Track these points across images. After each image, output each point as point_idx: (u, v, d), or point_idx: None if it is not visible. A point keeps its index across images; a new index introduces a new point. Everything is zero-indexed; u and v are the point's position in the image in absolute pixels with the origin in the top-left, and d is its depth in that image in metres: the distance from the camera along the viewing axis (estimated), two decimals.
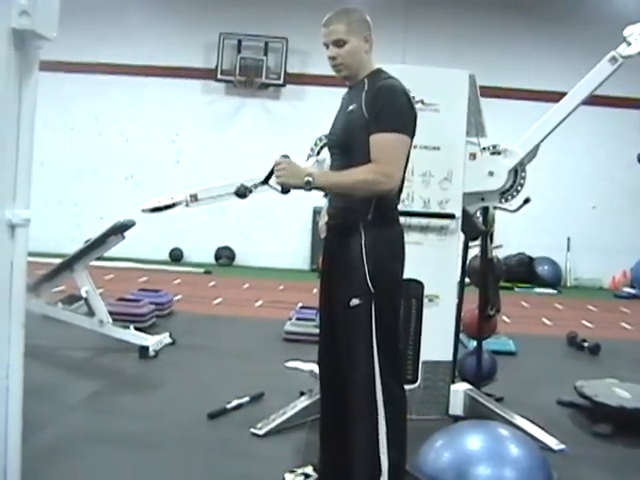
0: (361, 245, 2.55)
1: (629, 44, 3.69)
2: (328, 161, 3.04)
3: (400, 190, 2.65)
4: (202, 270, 9.92)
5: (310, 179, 2.47)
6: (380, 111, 2.51)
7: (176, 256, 10.82)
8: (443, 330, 3.83)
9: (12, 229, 2.23)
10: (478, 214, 4.03)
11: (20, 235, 2.26)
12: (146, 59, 10.59)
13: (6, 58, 2.15)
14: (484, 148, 3.91)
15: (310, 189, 2.50)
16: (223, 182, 4.31)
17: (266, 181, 2.70)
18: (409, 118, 2.58)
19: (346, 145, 2.62)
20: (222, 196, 4.25)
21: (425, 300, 3.76)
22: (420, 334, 3.78)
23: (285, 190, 2.58)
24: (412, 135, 2.59)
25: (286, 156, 2.55)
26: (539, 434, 3.58)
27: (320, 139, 4.36)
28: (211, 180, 4.50)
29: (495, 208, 4.06)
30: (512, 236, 9.53)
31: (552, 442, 3.54)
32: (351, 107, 2.60)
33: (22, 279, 2.30)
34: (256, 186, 2.95)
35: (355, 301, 2.54)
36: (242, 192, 2.83)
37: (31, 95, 2.25)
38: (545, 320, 7.54)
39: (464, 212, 3.82)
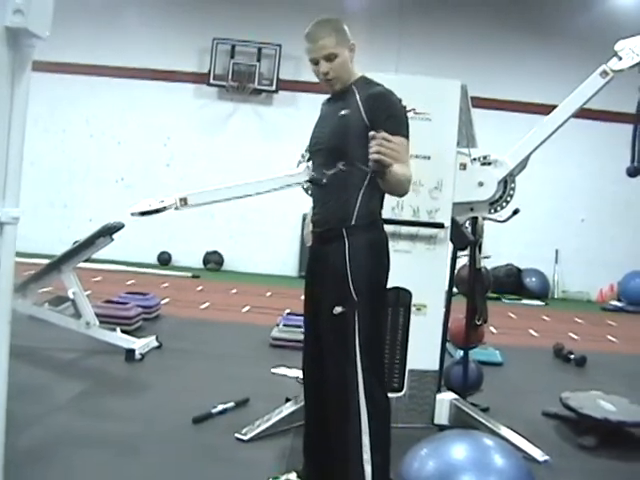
0: (345, 251, 2.55)
1: (620, 58, 3.70)
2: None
3: (382, 196, 2.65)
4: (190, 274, 9.90)
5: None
6: (387, 117, 2.51)
7: (164, 260, 10.80)
8: (430, 339, 3.82)
9: (0, 227, 2.22)
10: (467, 224, 4.04)
11: (8, 233, 2.24)
12: (139, 62, 10.60)
13: None
14: (474, 158, 3.92)
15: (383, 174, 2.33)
16: (213, 186, 4.30)
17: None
18: (408, 125, 2.60)
19: (337, 148, 2.60)
20: (213, 201, 4.23)
21: (413, 309, 3.76)
22: (407, 343, 3.78)
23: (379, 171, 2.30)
24: None
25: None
26: (524, 445, 3.58)
27: None
28: (202, 184, 4.48)
29: (484, 218, 4.07)
30: (501, 247, 9.57)
31: (537, 453, 3.54)
32: (343, 112, 2.59)
33: (9, 279, 2.28)
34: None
35: (338, 309, 2.54)
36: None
37: (23, 94, 2.24)
38: (532, 331, 7.56)
39: (453, 222, 3.83)
